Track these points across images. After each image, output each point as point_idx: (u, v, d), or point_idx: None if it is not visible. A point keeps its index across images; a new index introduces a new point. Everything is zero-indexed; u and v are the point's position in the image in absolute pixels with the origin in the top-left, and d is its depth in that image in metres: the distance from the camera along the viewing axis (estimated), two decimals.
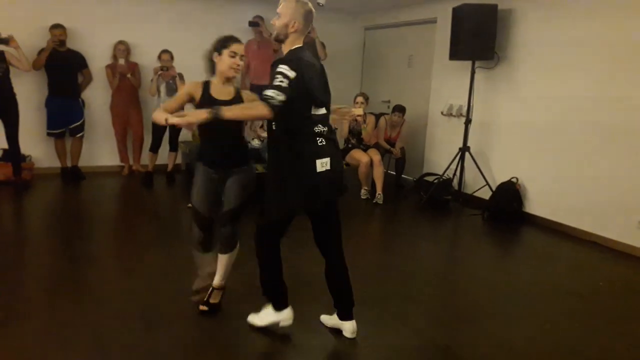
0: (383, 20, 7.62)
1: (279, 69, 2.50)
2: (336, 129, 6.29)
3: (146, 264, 3.87)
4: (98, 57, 6.46)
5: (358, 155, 6.08)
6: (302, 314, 2.97)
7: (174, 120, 2.55)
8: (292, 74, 2.48)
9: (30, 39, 5.94)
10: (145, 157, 6.60)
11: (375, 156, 6.06)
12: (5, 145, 5.75)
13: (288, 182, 2.64)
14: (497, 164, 5.79)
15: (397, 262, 4.18)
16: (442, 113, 6.46)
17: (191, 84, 2.99)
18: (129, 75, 6.41)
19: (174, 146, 6.50)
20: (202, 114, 2.49)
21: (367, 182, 6.13)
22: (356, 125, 6.19)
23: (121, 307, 3.11)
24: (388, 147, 6.48)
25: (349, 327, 2.89)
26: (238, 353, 2.75)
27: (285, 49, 2.68)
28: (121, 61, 6.37)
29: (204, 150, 3.08)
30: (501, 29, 5.54)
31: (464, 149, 5.84)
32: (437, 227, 5.45)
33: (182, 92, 2.97)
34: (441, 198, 5.89)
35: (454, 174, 5.95)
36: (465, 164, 5.90)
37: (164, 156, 6.50)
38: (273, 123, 2.63)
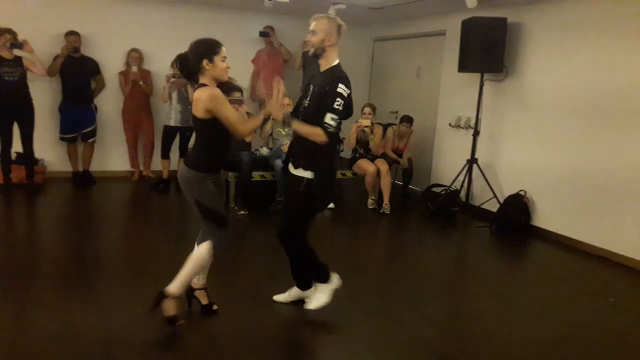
0: (392, 32, 7.68)
1: (339, 90, 2.84)
2: (344, 138, 6.39)
3: (156, 267, 3.91)
4: (111, 64, 6.58)
5: (365, 165, 6.11)
6: None
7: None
8: (347, 92, 2.86)
9: (46, 45, 6.06)
10: (156, 163, 6.69)
11: (383, 166, 6.09)
12: (20, 149, 5.86)
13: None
14: (505, 176, 5.80)
15: (403, 272, 4.19)
16: (450, 125, 6.49)
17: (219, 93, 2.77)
18: (141, 83, 6.51)
19: (183, 152, 6.57)
20: (281, 113, 2.78)
21: (374, 192, 6.17)
22: (363, 136, 6.23)
23: (129, 310, 3.16)
24: (395, 157, 6.51)
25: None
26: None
27: (325, 63, 3.00)
28: (134, 68, 6.47)
29: (212, 159, 2.95)
30: (510, 42, 5.59)
31: (472, 160, 5.87)
32: (444, 238, 5.46)
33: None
34: (448, 209, 5.89)
35: (462, 186, 5.97)
36: (473, 176, 5.93)
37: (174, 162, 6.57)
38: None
